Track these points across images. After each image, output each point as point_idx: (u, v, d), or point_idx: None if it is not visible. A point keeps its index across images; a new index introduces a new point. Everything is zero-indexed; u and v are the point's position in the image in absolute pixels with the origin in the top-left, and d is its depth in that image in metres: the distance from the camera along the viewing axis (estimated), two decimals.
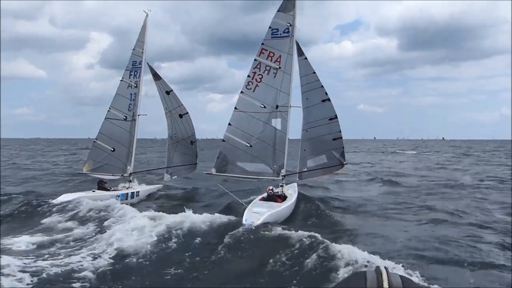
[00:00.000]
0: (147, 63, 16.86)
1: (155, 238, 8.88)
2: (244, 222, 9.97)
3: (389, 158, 50.87)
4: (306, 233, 8.70)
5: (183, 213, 10.33)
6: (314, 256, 7.66)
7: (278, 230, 9.58)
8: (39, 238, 9.78)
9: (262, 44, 14.16)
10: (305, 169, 14.66)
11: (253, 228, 9.62)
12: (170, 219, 9.96)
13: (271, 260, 7.90)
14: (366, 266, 6.98)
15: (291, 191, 13.72)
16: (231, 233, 9.33)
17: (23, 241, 9.33)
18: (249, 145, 13.96)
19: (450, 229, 11.17)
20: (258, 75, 14.22)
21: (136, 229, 9.35)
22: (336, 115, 14.23)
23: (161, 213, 10.75)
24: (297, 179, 15.00)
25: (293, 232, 9.09)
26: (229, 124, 14.19)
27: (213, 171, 13.96)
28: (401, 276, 1.52)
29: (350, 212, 14.09)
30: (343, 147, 14.44)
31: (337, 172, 15.76)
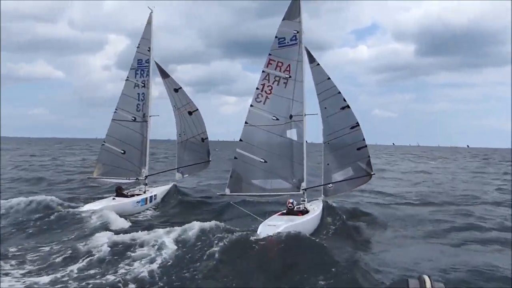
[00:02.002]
0: (155, 61, 16.39)
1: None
2: (258, 235, 9.12)
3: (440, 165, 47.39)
4: (332, 244, 8.18)
5: (197, 222, 9.81)
6: (338, 268, 7.25)
7: (298, 240, 8.66)
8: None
9: (269, 54, 13.44)
10: (330, 185, 13.30)
11: (269, 238, 8.46)
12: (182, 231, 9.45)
13: (290, 274, 7.46)
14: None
15: (314, 206, 12.29)
16: (244, 244, 8.68)
17: None
18: (263, 160, 12.87)
19: None
20: (268, 86, 13.39)
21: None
22: (358, 123, 13.17)
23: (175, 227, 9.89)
24: (322, 195, 13.58)
25: (315, 242, 8.01)
26: (240, 140, 13.24)
27: (227, 191, 12.84)
28: (445, 284, 1.83)
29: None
30: (368, 156, 13.20)
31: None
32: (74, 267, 8.05)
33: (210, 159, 16.39)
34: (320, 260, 8.03)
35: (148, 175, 16.21)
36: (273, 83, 13.39)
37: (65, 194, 17.32)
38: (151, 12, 16.45)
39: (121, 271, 7.81)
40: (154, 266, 7.92)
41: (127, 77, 16.13)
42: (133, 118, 15.93)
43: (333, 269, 7.45)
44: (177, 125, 16.47)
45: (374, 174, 13.28)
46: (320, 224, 11.71)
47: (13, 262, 8.43)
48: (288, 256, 8.32)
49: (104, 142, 15.90)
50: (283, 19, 13.50)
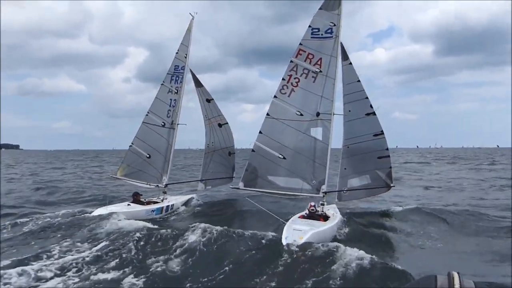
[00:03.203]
0: (190, 69, 15.88)
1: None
2: (284, 240, 8.27)
3: None
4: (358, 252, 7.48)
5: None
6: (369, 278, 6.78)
7: (325, 248, 7.95)
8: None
9: (300, 44, 12.50)
10: (345, 190, 12.68)
11: (295, 246, 7.92)
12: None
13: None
14: None
15: (333, 211, 11.65)
16: (270, 251, 8.03)
17: None
18: (282, 156, 12.04)
19: None
20: (295, 78, 12.50)
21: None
22: (382, 131, 12.39)
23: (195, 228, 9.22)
24: (336, 200, 12.94)
25: (342, 250, 7.61)
26: (260, 132, 12.35)
27: (241, 185, 11.98)
28: (475, 282, 1.58)
29: None
30: (390, 167, 12.52)
31: None
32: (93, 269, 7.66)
33: (234, 176, 15.92)
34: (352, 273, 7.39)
35: (168, 184, 15.84)
36: (300, 76, 12.49)
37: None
38: (192, 19, 16.00)
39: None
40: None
41: (163, 81, 15.83)
42: (162, 124, 15.65)
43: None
44: (207, 135, 16.08)
45: (393, 186, 12.74)
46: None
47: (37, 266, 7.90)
48: (316, 265, 7.67)
49: (132, 143, 15.64)
50: (320, 8, 12.55)
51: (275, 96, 12.44)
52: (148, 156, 15.49)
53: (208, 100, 15.79)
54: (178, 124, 15.74)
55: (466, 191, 21.97)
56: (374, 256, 7.42)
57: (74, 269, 7.70)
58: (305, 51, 12.52)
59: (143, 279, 7.20)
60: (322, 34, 12.57)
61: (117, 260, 8.04)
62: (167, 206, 14.80)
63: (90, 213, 12.50)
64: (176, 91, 15.73)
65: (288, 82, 12.48)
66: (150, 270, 7.55)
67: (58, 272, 7.53)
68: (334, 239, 9.85)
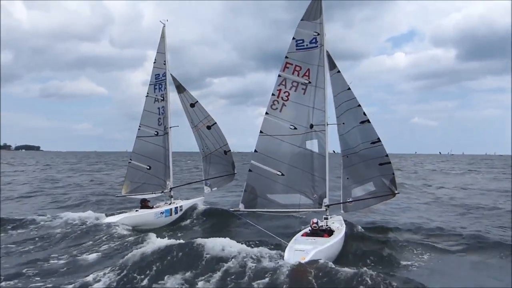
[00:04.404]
0: (171, 74, 16.26)
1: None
2: (286, 261, 8.11)
3: None
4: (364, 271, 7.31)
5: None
6: None
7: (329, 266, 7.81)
8: None
9: (286, 57, 12.34)
10: (350, 200, 12.30)
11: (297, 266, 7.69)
12: None
13: None
14: None
15: (338, 224, 11.29)
16: (270, 272, 7.78)
17: None
18: (280, 173, 11.78)
19: None
20: (284, 92, 12.31)
21: None
22: (379, 138, 12.02)
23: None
24: (341, 211, 12.55)
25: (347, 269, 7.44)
26: (255, 151, 12.13)
27: (241, 206, 11.71)
28: None
29: None
30: (393, 174, 12.10)
31: None
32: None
33: (236, 172, 16.22)
34: None
35: (173, 187, 16.18)
36: (290, 89, 12.30)
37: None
38: (164, 26, 16.39)
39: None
40: None
41: (147, 93, 16.28)
42: (155, 133, 16.03)
43: None
44: (197, 141, 16.25)
45: (398, 193, 12.31)
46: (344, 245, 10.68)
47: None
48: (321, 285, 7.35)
49: (130, 159, 16.02)
50: (302, 20, 12.44)
51: (266, 113, 12.24)
52: (148, 167, 15.84)
53: (192, 105, 15.97)
54: (170, 127, 16.11)
55: None
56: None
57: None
58: (292, 64, 12.36)
59: None
60: (307, 45, 12.41)
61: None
62: (176, 208, 15.21)
63: (99, 220, 13.06)
64: (162, 98, 16.19)
65: (278, 97, 12.29)
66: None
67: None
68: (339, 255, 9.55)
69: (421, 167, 58.67)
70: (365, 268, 7.29)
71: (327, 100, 12.07)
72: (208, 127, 15.80)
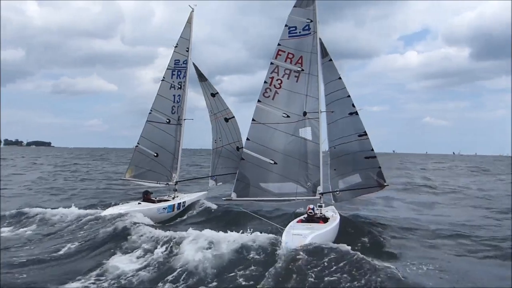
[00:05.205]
0: (193, 63, 15.53)
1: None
2: (284, 246, 7.91)
3: None
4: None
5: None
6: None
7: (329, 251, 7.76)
8: None
9: (279, 45, 12.13)
10: (338, 190, 12.16)
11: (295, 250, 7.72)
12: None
13: None
14: None
15: (331, 213, 11.15)
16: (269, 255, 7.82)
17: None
18: (273, 162, 11.59)
19: None
20: (277, 80, 12.10)
21: None
22: (365, 132, 11.88)
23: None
24: (332, 201, 12.41)
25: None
26: (247, 139, 11.93)
27: (233, 195, 11.49)
28: None
29: None
30: (379, 167, 11.99)
31: None
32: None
33: None
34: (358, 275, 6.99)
35: (179, 181, 15.68)
36: (283, 77, 12.11)
37: None
38: (192, 11, 15.58)
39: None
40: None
41: (163, 77, 15.42)
42: (167, 120, 15.33)
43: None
44: (213, 130, 15.56)
45: (387, 185, 12.18)
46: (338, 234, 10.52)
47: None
48: (319, 270, 7.22)
49: (138, 143, 15.33)
50: (294, 6, 12.25)
51: (258, 101, 12.02)
52: (155, 154, 15.25)
53: (213, 95, 15.35)
54: (184, 119, 15.46)
55: None
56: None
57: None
58: (284, 51, 12.16)
59: None
60: (299, 32, 12.23)
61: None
62: (179, 204, 14.64)
63: (100, 212, 12.59)
64: (179, 86, 15.46)
65: (270, 85, 12.07)
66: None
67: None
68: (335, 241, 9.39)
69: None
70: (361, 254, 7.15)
71: (322, 88, 11.92)
72: (226, 119, 15.30)
